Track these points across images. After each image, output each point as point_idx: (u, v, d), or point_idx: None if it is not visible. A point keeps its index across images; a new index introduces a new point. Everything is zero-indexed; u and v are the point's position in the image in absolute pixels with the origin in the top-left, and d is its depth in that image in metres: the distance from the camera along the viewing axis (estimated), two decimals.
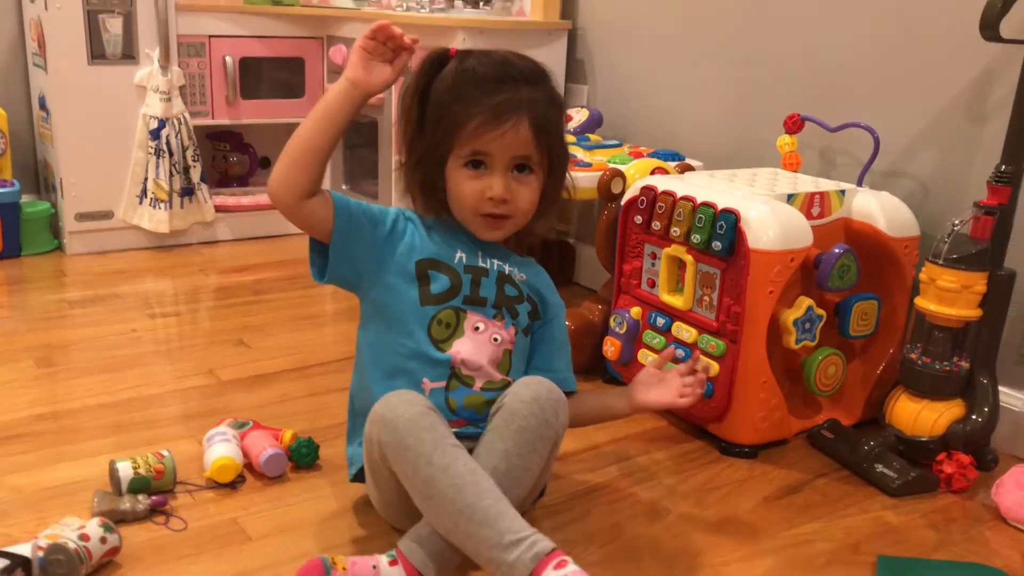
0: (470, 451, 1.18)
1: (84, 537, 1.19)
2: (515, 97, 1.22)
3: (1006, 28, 1.48)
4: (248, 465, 1.48)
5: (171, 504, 1.38)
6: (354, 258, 1.26)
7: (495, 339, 1.28)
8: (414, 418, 1.14)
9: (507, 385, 1.26)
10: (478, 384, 1.26)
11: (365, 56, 1.22)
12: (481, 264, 1.30)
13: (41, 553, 1.16)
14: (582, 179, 1.92)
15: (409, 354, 1.26)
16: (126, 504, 1.33)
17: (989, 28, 1.48)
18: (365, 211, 1.27)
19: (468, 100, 1.22)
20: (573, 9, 2.57)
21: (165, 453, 1.43)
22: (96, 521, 1.23)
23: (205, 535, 1.31)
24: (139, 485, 1.38)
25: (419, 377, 1.25)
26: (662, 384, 1.39)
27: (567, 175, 1.33)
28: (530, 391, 1.20)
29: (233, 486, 1.44)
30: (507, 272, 1.32)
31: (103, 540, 1.21)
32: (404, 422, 1.14)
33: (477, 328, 1.27)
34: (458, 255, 1.29)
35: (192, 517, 1.35)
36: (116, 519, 1.30)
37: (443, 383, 1.25)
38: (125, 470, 1.38)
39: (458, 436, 1.19)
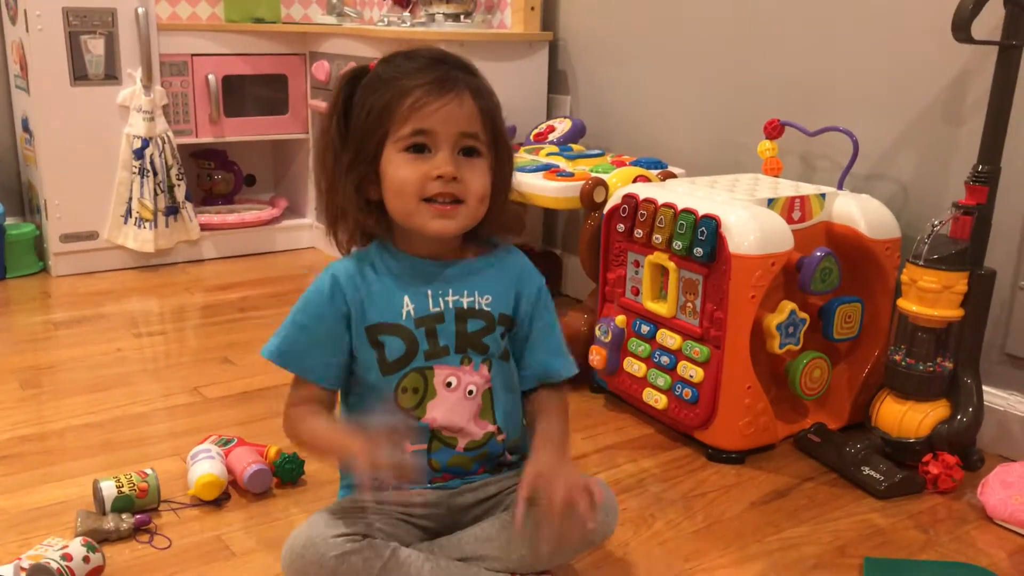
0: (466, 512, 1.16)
1: (67, 557, 1.19)
2: (453, 75, 1.11)
3: (978, 30, 1.49)
4: (233, 482, 1.47)
5: (155, 522, 1.37)
6: (344, 360, 1.18)
7: (469, 392, 1.16)
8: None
9: (491, 437, 1.18)
10: (460, 445, 1.17)
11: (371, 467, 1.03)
12: (433, 310, 1.15)
13: (24, 574, 1.16)
14: (565, 189, 1.93)
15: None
16: (110, 523, 1.32)
17: (961, 30, 1.49)
18: (330, 344, 1.15)
19: (403, 77, 1.10)
20: (554, 21, 2.58)
21: (149, 471, 1.42)
22: (79, 541, 1.23)
23: (190, 552, 1.31)
24: (123, 504, 1.37)
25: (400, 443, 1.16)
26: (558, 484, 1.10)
27: (513, 175, 1.19)
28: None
29: (218, 503, 1.43)
30: (465, 305, 1.16)
31: (86, 559, 1.20)
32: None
33: (449, 384, 1.15)
34: (405, 308, 1.14)
35: (176, 535, 1.35)
36: (100, 538, 1.29)
37: (424, 446, 1.16)
38: (108, 489, 1.37)
39: (442, 488, 1.17)
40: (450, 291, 1.16)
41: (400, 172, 1.10)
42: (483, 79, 1.15)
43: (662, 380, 1.68)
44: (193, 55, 2.77)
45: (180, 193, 2.77)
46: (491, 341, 1.17)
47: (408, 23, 2.72)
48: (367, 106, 1.11)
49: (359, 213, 1.14)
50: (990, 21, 1.50)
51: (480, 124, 1.11)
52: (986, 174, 1.52)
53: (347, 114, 1.13)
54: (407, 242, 1.17)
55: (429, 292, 1.15)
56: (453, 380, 1.15)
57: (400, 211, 1.12)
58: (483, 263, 1.20)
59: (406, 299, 1.14)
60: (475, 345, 1.16)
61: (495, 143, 1.14)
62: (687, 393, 1.62)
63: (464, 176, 1.10)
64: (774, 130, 1.89)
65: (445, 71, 1.10)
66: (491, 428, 1.18)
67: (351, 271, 1.15)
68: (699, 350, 1.60)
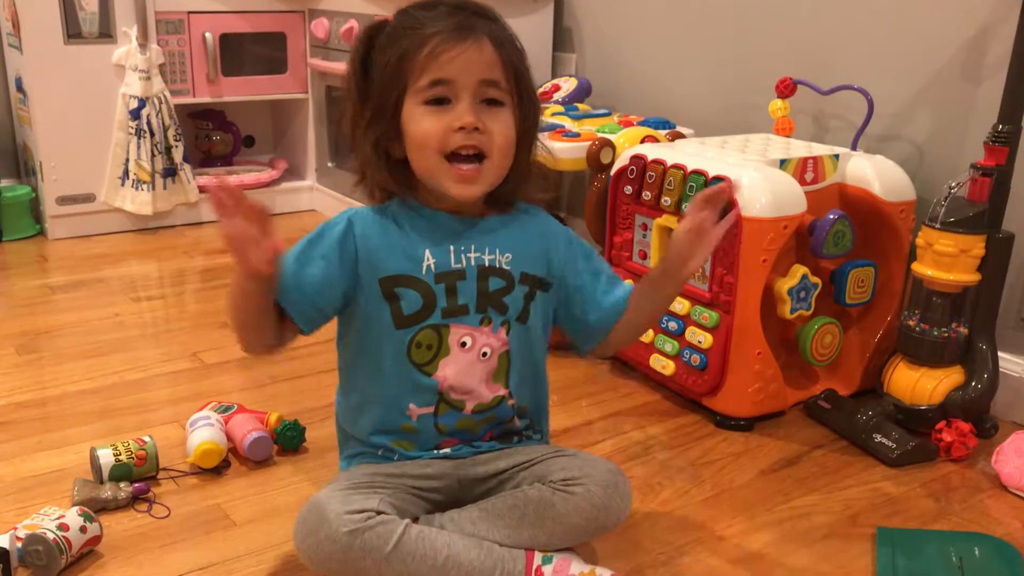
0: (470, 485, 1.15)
1: (63, 527, 1.16)
2: (471, 21, 1.06)
3: None
4: (232, 449, 1.45)
5: (154, 491, 1.35)
6: (331, 311, 1.15)
7: (484, 353, 1.13)
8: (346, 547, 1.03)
9: (500, 401, 1.16)
10: (469, 407, 1.14)
11: (231, 242, 1.02)
12: (455, 265, 1.11)
13: (20, 544, 1.14)
14: (571, 150, 1.88)
15: (392, 379, 1.13)
16: (107, 492, 1.30)
17: None
18: (321, 280, 1.10)
19: (421, 26, 1.06)
20: None
21: (147, 439, 1.40)
22: (76, 510, 1.20)
23: (189, 522, 1.28)
24: (121, 472, 1.34)
25: (404, 403, 1.14)
26: (694, 244, 1.13)
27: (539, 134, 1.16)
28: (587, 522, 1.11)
29: (217, 471, 1.41)
30: (487, 262, 1.13)
31: (83, 529, 1.18)
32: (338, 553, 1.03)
33: (464, 344, 1.12)
34: (426, 261, 1.11)
35: (175, 504, 1.32)
36: (97, 508, 1.27)
37: (431, 408, 1.14)
38: (106, 457, 1.35)
39: (448, 457, 1.16)
40: (472, 247, 1.13)
41: (421, 126, 1.06)
42: (505, 25, 1.11)
43: (669, 346, 1.65)
44: (190, 12, 2.70)
45: (178, 154, 2.72)
46: (511, 301, 1.14)
47: None
48: (385, 60, 1.07)
49: (379, 172, 1.10)
50: None
51: (501, 71, 1.07)
52: (1006, 134, 1.47)
53: (366, 71, 1.10)
54: (430, 197, 1.13)
55: (452, 248, 1.12)
56: (468, 340, 1.13)
57: (423, 168, 1.09)
58: (505, 220, 1.16)
59: (427, 253, 1.11)
60: (496, 304, 1.13)
61: (519, 92, 1.10)
62: (695, 359, 1.59)
63: (488, 126, 1.06)
64: (786, 88, 1.84)
65: (463, 17, 1.06)
66: (503, 392, 1.16)
67: (370, 220, 1.12)
68: (708, 315, 1.57)
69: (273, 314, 1.10)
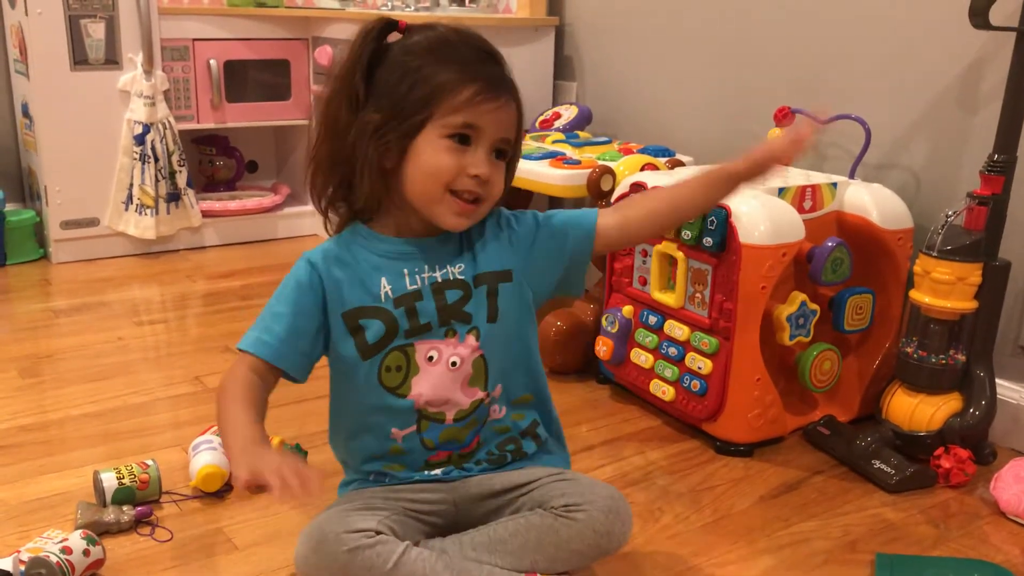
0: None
1: (66, 550, 1.17)
2: (503, 74, 1.11)
3: (996, 15, 1.47)
4: None
5: (156, 514, 1.35)
6: (318, 353, 1.16)
7: (453, 363, 1.14)
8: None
9: (479, 404, 1.16)
10: (449, 417, 1.15)
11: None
12: (411, 287, 1.13)
13: (23, 567, 1.14)
14: (572, 177, 1.90)
15: (370, 409, 1.15)
16: (110, 515, 1.31)
17: (979, 15, 1.47)
18: (299, 329, 1.12)
19: (457, 64, 1.08)
20: (560, 5, 2.55)
21: (150, 463, 1.40)
22: (79, 533, 1.21)
23: (191, 545, 1.29)
24: (124, 496, 1.35)
25: (387, 429, 1.15)
26: (788, 149, 1.19)
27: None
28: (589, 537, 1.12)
29: (220, 495, 1.41)
30: (439, 278, 1.14)
31: (86, 553, 1.19)
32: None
33: (431, 358, 1.14)
34: (383, 289, 1.12)
35: (178, 527, 1.33)
36: (100, 531, 1.28)
37: (413, 427, 1.15)
38: (109, 481, 1.35)
39: (440, 480, 1.17)
40: (424, 267, 1.15)
41: (438, 158, 1.08)
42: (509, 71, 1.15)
43: (670, 371, 1.66)
44: (195, 39, 2.74)
45: (181, 179, 2.74)
46: (472, 308, 1.15)
47: (412, 7, 2.69)
48: (413, 79, 1.07)
49: (374, 179, 1.09)
50: (1008, 6, 1.47)
51: (514, 133, 1.13)
52: (1002, 163, 1.49)
53: (370, 67, 1.09)
54: (389, 222, 1.15)
55: (405, 271, 1.14)
56: (434, 353, 1.14)
57: (422, 194, 1.10)
58: (449, 233, 1.16)
59: (383, 280, 1.13)
60: (457, 315, 1.15)
61: (515, 149, 1.16)
62: (695, 385, 1.60)
63: (491, 178, 1.10)
64: (784, 117, 1.86)
65: (499, 72, 1.11)
66: (480, 395, 1.17)
67: (330, 254, 1.14)
68: (708, 341, 1.58)
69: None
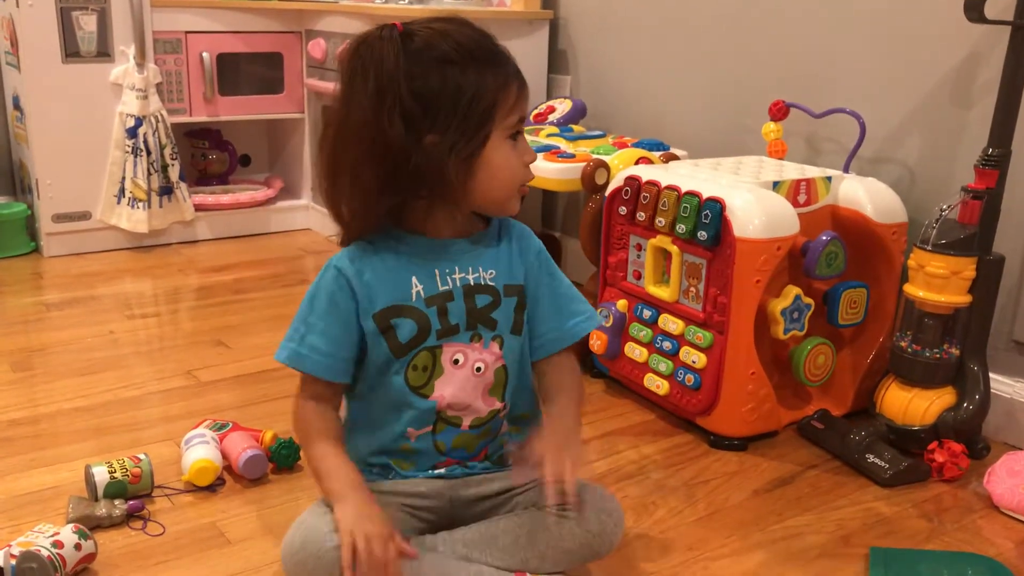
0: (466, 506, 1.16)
1: (58, 544, 1.16)
2: (510, 56, 1.12)
3: (991, 9, 1.46)
4: (227, 467, 1.45)
5: (148, 509, 1.35)
6: (357, 354, 1.15)
7: (477, 369, 1.14)
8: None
9: (496, 414, 1.17)
10: (466, 423, 1.16)
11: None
12: (442, 288, 1.13)
13: (14, 561, 1.13)
14: (566, 171, 1.90)
15: (392, 405, 1.14)
16: (102, 510, 1.30)
17: (974, 9, 1.46)
18: (342, 340, 1.12)
19: (491, 64, 1.07)
20: None
21: (142, 457, 1.40)
22: (71, 528, 1.20)
23: (184, 539, 1.28)
24: (115, 490, 1.34)
25: (404, 427, 1.14)
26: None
27: None
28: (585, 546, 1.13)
29: (212, 489, 1.41)
30: (472, 281, 1.14)
31: (78, 547, 1.18)
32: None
33: (456, 361, 1.14)
34: (414, 289, 1.12)
35: (170, 521, 1.32)
36: (92, 525, 1.27)
37: (429, 428, 1.15)
38: (101, 475, 1.34)
39: (442, 477, 1.16)
40: (456, 268, 1.14)
41: (509, 162, 1.10)
42: None
43: (664, 366, 1.66)
44: (187, 32, 2.72)
45: (174, 173, 2.73)
46: (500, 315, 1.16)
47: (406, 0, 2.67)
48: (470, 91, 1.05)
49: (447, 194, 1.07)
50: (1003, 0, 1.47)
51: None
52: (996, 157, 1.49)
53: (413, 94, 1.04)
54: (428, 224, 1.13)
55: (436, 271, 1.13)
56: (460, 357, 1.14)
57: (497, 199, 1.12)
58: (478, 238, 1.17)
59: (414, 280, 1.12)
60: (484, 321, 1.15)
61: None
62: (689, 379, 1.60)
63: None
64: (779, 111, 1.86)
65: (514, 62, 1.12)
66: (498, 405, 1.17)
67: (353, 259, 1.12)
68: (702, 335, 1.58)
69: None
